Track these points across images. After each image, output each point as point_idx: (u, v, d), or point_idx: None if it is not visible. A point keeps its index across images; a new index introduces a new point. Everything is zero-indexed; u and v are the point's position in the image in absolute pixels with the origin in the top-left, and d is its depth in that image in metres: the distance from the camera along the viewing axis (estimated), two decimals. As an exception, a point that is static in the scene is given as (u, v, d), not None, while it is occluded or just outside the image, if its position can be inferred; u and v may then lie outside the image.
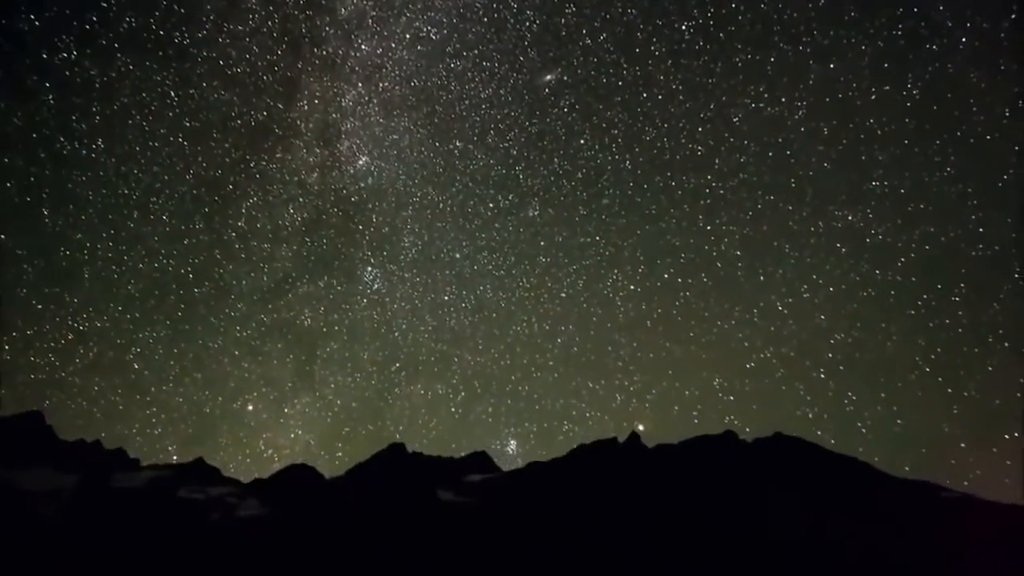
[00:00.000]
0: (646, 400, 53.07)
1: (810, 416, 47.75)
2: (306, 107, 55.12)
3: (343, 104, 55.55)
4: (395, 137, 57.36)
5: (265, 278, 55.46)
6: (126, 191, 53.01)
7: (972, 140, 44.62)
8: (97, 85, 50.76)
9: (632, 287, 55.02)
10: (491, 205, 58.93)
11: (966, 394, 44.22)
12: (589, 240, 57.39)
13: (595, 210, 57.73)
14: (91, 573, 16.75)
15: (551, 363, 56.28)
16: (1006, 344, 43.23)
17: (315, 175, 56.15)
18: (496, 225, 59.18)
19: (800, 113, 49.58)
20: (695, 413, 51.09)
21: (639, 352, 54.38)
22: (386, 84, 56.44)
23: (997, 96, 43.17)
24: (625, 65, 53.50)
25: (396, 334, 56.80)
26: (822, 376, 48.45)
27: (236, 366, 53.36)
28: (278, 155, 55.46)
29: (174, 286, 54.17)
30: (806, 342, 49.50)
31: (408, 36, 55.49)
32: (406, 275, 57.69)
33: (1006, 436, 41.31)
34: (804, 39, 48.36)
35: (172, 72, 52.67)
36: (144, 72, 52.04)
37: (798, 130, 49.76)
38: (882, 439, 46.01)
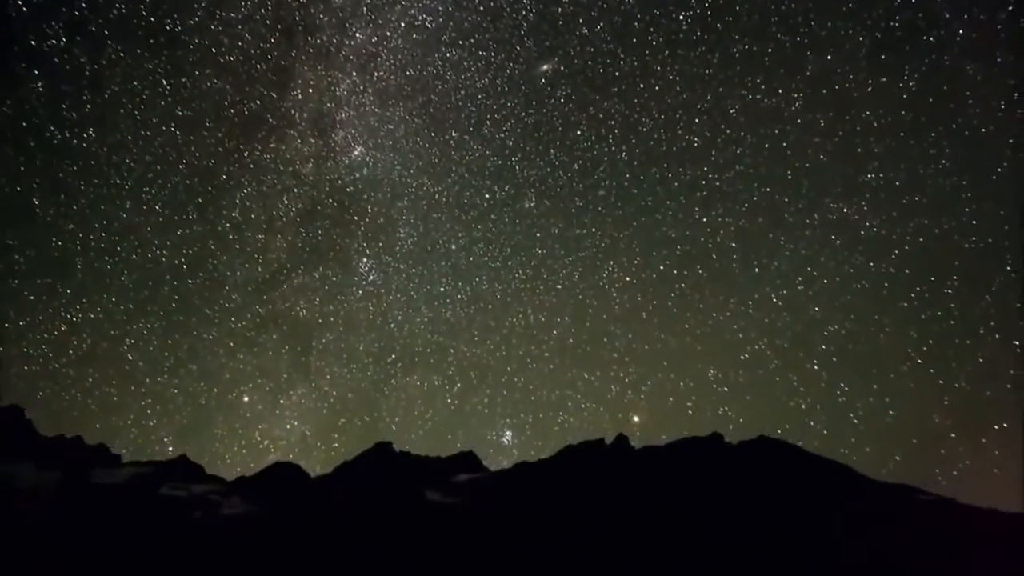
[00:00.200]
0: (641, 391, 53.45)
1: (803, 407, 48.32)
2: (300, 96, 54.30)
3: (337, 93, 54.89)
4: (390, 127, 56.56)
5: (260, 269, 54.83)
6: (118, 180, 52.09)
7: (967, 133, 45.03)
8: (87, 73, 49.75)
9: (628, 279, 55.07)
10: (487, 196, 58.46)
11: (957, 385, 44.88)
12: (585, 232, 57.14)
13: (591, 201, 57.47)
14: (74, 570, 16.48)
15: (547, 354, 56.13)
16: (997, 336, 43.84)
17: (310, 165, 55.45)
18: (492, 216, 58.68)
19: (797, 105, 49.53)
20: (689, 404, 51.55)
21: (634, 344, 54.52)
22: (381, 73, 55.62)
23: (993, 89, 43.63)
24: (622, 55, 53.12)
25: (392, 325, 56.41)
26: (815, 367, 48.94)
27: (231, 357, 52.92)
28: (272, 145, 54.68)
29: (168, 277, 53.49)
30: (800, 334, 49.91)
31: (403, 24, 54.86)
32: (402, 266, 57.14)
33: (995, 427, 42.17)
34: (802, 30, 48.39)
35: (163, 60, 51.68)
36: (135, 60, 51.07)
37: (795, 122, 49.77)
38: (873, 429, 46.71)
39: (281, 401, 51.99)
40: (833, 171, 49.40)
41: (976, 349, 44.37)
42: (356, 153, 55.60)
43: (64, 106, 49.16)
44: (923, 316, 46.21)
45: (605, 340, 55.08)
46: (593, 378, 54.61)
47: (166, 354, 52.16)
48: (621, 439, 26.08)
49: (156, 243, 53.02)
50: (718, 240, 52.64)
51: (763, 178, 51.28)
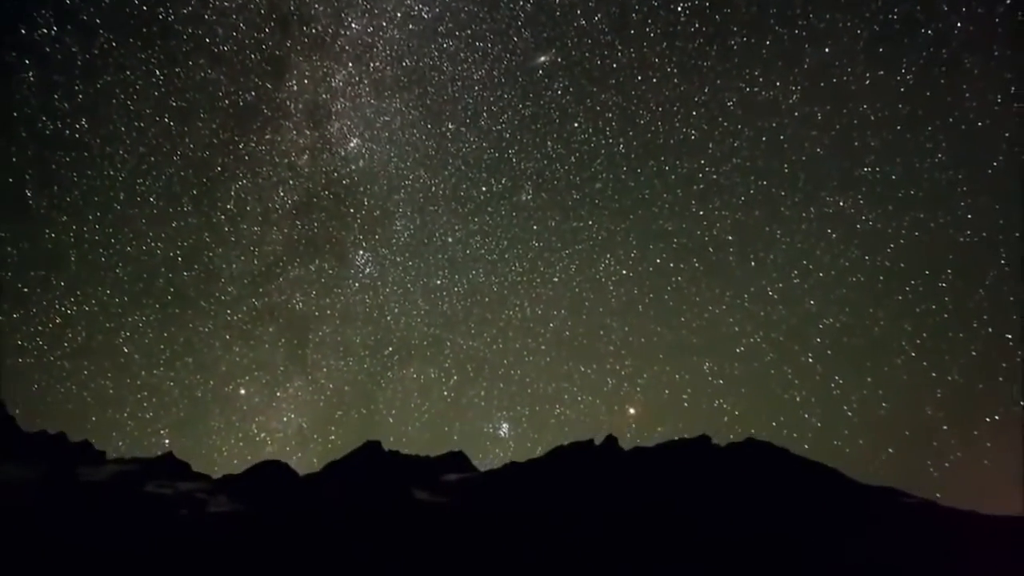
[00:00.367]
0: (637, 384, 53.24)
1: (797, 399, 48.36)
2: (295, 87, 53.50)
3: (333, 84, 53.95)
4: (386, 119, 55.81)
5: (256, 262, 54.02)
6: (111, 172, 51.15)
7: (964, 127, 45.02)
8: (79, 62, 48.85)
9: (624, 272, 54.86)
10: (484, 189, 57.92)
11: (950, 378, 45.12)
12: (582, 225, 56.85)
13: (588, 194, 57.07)
14: (57, 568, 16.26)
15: (543, 347, 55.71)
16: (990, 329, 44.01)
17: (305, 157, 54.66)
18: (489, 209, 58.25)
19: (794, 98, 49.31)
20: (684, 397, 51.57)
21: (630, 337, 54.38)
22: (377, 64, 54.73)
23: (990, 82, 43.58)
24: (620, 47, 52.67)
25: (388, 318, 55.86)
26: (810, 360, 48.97)
27: (227, 350, 52.27)
28: (267, 136, 53.83)
29: (163, 269, 52.56)
30: (795, 327, 49.95)
31: (399, 15, 53.92)
32: (398, 259, 56.51)
33: (987, 419, 42.49)
34: (800, 22, 48.15)
35: (156, 50, 50.76)
36: (128, 50, 50.09)
37: (792, 115, 49.66)
38: (867, 422, 46.94)
39: (278, 394, 51.79)
40: (830, 165, 49.58)
41: (969, 342, 44.69)
42: (352, 145, 55.09)
43: (56, 96, 48.41)
44: (917, 310, 46.47)
45: (601, 333, 54.99)
46: (589, 371, 54.61)
47: (162, 347, 51.72)
48: (610, 440, 26.17)
49: (151, 235, 52.26)
50: (715, 233, 52.66)
51: (760, 171, 51.30)
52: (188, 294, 52.57)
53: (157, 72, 50.83)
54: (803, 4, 47.35)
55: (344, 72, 53.75)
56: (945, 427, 44.06)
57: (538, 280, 56.82)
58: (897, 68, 46.30)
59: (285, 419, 50.77)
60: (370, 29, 53.75)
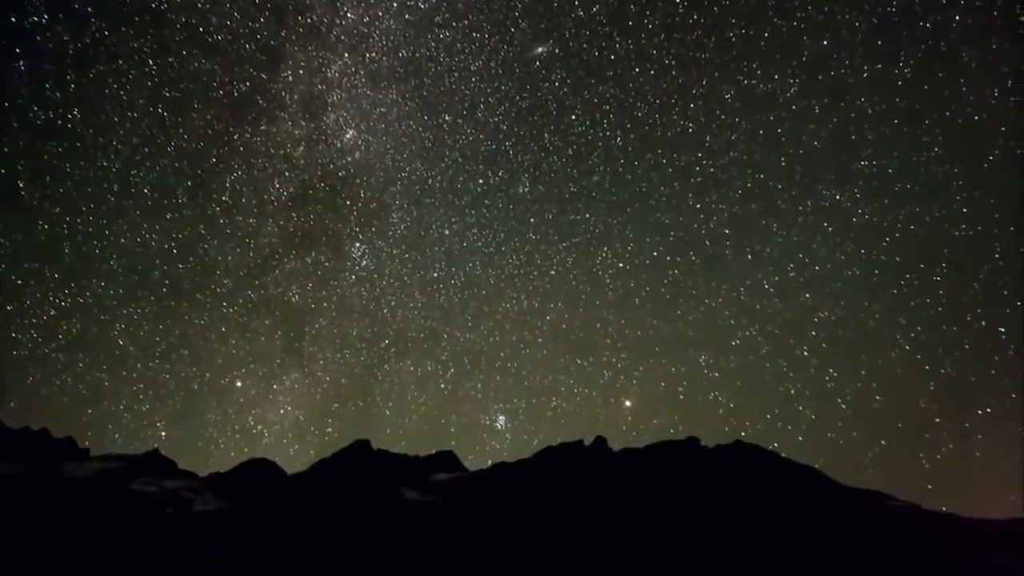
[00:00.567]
0: (633, 377, 53.12)
1: (792, 392, 48.56)
2: (290, 78, 52.65)
3: (328, 75, 53.13)
4: (383, 110, 55.03)
5: (251, 254, 53.34)
6: (105, 163, 50.24)
7: (960, 120, 45.15)
8: (71, 51, 47.89)
9: (621, 265, 54.53)
10: (481, 181, 57.24)
11: (943, 371, 45.39)
12: (579, 217, 56.37)
13: (585, 187, 56.64)
14: (38, 566, 16.05)
15: (540, 340, 55.28)
16: (983, 323, 44.29)
17: (301, 148, 53.88)
18: (486, 201, 57.60)
19: (792, 91, 49.22)
20: (680, 389, 51.63)
21: (627, 330, 54.12)
22: (373, 55, 53.80)
23: (987, 76, 43.69)
24: (618, 38, 52.24)
25: (385, 311, 55.07)
26: (805, 353, 49.01)
27: (223, 343, 51.51)
28: (262, 127, 53.00)
29: (158, 261, 51.74)
30: (791, 320, 49.98)
31: (395, 4, 53.14)
32: (395, 251, 55.80)
33: (979, 411, 42.97)
34: (798, 14, 47.99)
35: (149, 39, 49.82)
36: (120, 38, 49.18)
37: (790, 108, 49.55)
38: (860, 414, 47.21)
39: (274, 386, 51.28)
40: (827, 158, 49.61)
41: (963, 335, 44.96)
42: (348, 136, 54.30)
43: (47, 86, 47.57)
44: (912, 303, 46.67)
45: (598, 326, 54.76)
46: (586, 363, 54.43)
47: (157, 339, 51.05)
48: (600, 441, 26.31)
49: (145, 227, 51.40)
50: (711, 227, 52.62)
51: (757, 164, 51.26)
52: (183, 286, 52.04)
53: (150, 62, 50.07)
54: (802, -5, 47.21)
55: (340, 62, 53.09)
56: (937, 420, 44.49)
57: (535, 273, 56.59)
58: (895, 61, 46.28)
59: (282, 411, 50.57)
60: (366, 19, 53.15)
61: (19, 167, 47.71)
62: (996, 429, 42.04)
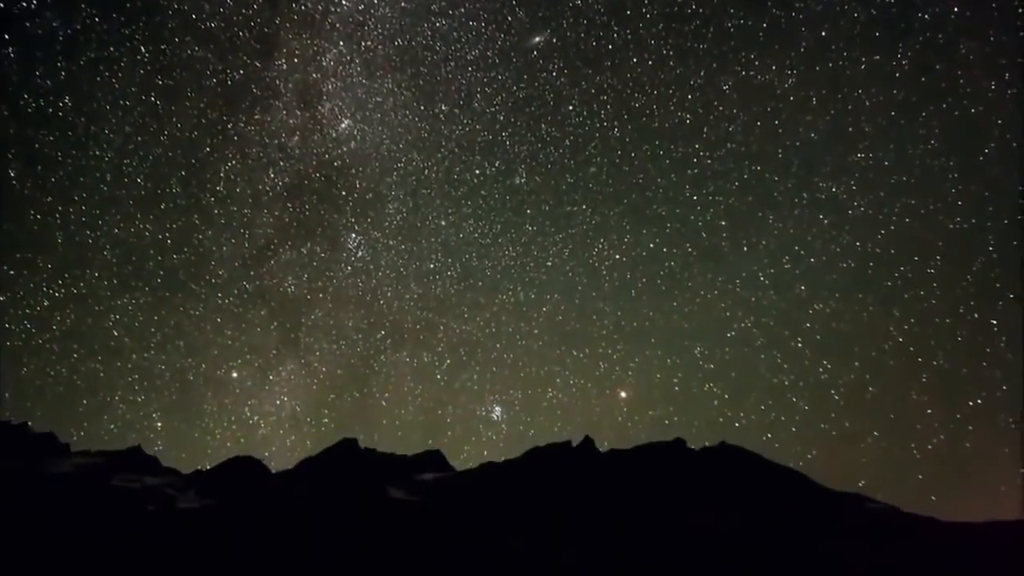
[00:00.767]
0: (628, 368, 53.96)
1: (786, 383, 49.23)
2: (285, 66, 52.41)
3: (323, 64, 53.03)
4: (378, 99, 55.00)
5: (246, 244, 53.48)
6: (97, 152, 49.87)
7: (957, 113, 45.46)
8: (61, 38, 47.36)
9: (617, 256, 55.19)
10: (477, 172, 57.58)
11: (935, 363, 46.07)
12: (575, 209, 56.98)
13: (582, 178, 57.14)
14: (18, 564, 15.75)
15: (536, 331, 56.02)
16: (976, 315, 44.94)
17: (296, 138, 53.78)
18: (482, 192, 58.17)
19: (790, 82, 49.30)
20: (675, 381, 52.24)
21: (623, 321, 54.84)
22: (368, 43, 53.74)
23: (984, 68, 43.90)
24: (615, 28, 52.44)
25: (381, 302, 55.51)
26: (799, 345, 49.63)
27: (219, 333, 51.69)
28: (256, 116, 52.89)
29: (152, 252, 51.74)
30: (786, 312, 50.52)
31: None
32: (391, 242, 56.20)
33: (970, 403, 43.78)
34: (797, 4, 48.11)
35: (141, 26, 49.39)
36: (111, 25, 48.70)
37: (787, 99, 49.71)
38: (853, 405, 47.91)
39: (271, 377, 51.40)
40: (823, 150, 49.92)
41: (955, 328, 45.62)
42: (343, 126, 54.21)
43: (37, 73, 46.99)
44: (906, 295, 47.13)
45: (594, 317, 55.31)
46: (581, 355, 55.06)
47: (152, 330, 50.98)
48: (588, 442, 26.45)
49: (139, 217, 51.25)
50: (708, 219, 53.26)
51: (754, 156, 51.57)
52: (178, 277, 51.99)
53: (142, 49, 49.60)
54: (801, -15, 47.11)
55: (335, 51, 52.93)
56: (929, 411, 45.20)
57: (531, 264, 57.01)
58: (893, 53, 46.51)
59: (278, 402, 50.61)
60: (361, 7, 52.93)
61: (9, 156, 47.34)
62: (986, 421, 42.90)
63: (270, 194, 53.75)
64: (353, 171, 55.11)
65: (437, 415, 53.68)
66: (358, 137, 54.58)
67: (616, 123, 54.54)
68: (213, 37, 51.04)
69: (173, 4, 49.62)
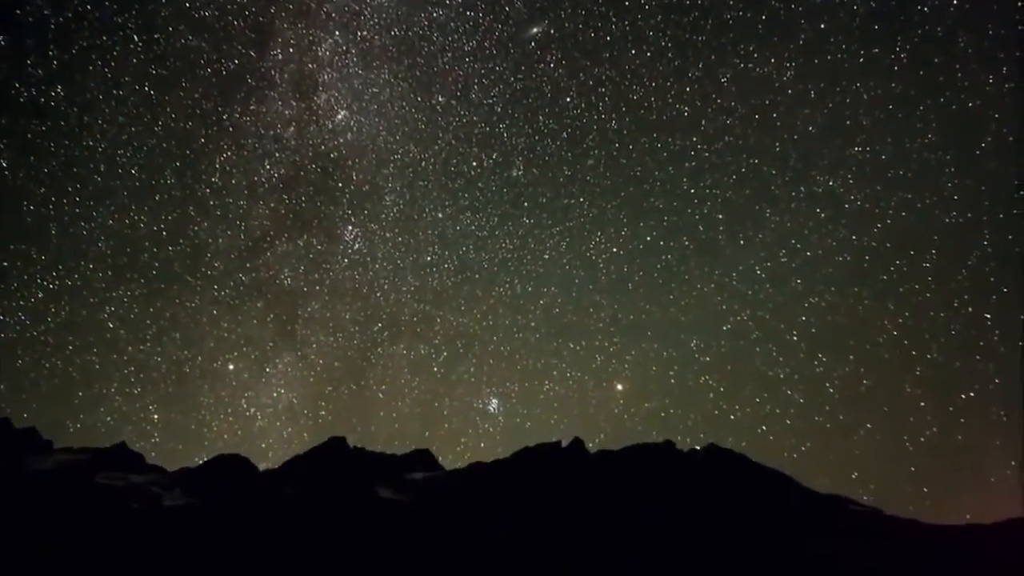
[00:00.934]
0: (625, 361, 53.75)
1: (781, 376, 49.27)
2: (280, 56, 51.66)
3: (319, 54, 52.31)
4: (375, 90, 54.24)
5: (242, 236, 52.70)
6: (91, 143, 48.99)
7: (954, 107, 45.57)
8: (52, 26, 46.43)
9: (615, 249, 55.04)
10: (474, 164, 56.89)
11: (929, 356, 46.29)
12: (573, 202, 56.63)
13: (580, 171, 56.75)
14: (2, 563, 15.48)
15: (533, 324, 55.62)
16: (970, 309, 45.12)
17: (291, 129, 53.07)
18: (479, 185, 57.45)
19: (789, 75, 49.27)
20: (672, 374, 52.23)
21: (619, 314, 54.70)
22: (365, 33, 52.92)
23: (982, 62, 43.99)
24: (614, 19, 51.94)
25: (378, 294, 54.87)
26: (795, 338, 49.71)
27: (215, 325, 51.03)
28: (252, 107, 52.15)
29: (147, 243, 50.92)
30: (781, 305, 50.62)
31: None
32: (388, 234, 55.58)
33: (962, 396, 43.99)
34: None
35: (134, 15, 48.42)
36: (103, 13, 47.79)
37: (785, 92, 49.71)
38: (847, 398, 48.14)
39: (267, 369, 51.00)
40: (821, 143, 50.03)
41: (949, 321, 45.83)
42: (340, 117, 53.59)
43: (29, 62, 46.04)
44: (901, 289, 47.32)
45: (591, 310, 55.15)
46: (578, 347, 54.77)
47: (148, 322, 50.34)
48: (577, 443, 26.58)
49: (133, 208, 50.52)
50: (705, 212, 53.15)
51: (752, 149, 51.61)
52: (173, 269, 51.34)
53: (135, 38, 48.65)
54: (801, -24, 47.23)
55: (331, 41, 52.27)
56: (922, 404, 45.41)
57: (528, 257, 56.78)
58: (892, 46, 46.55)
59: (275, 394, 50.31)
60: (357, -5, 52.87)
61: (1, 146, 46.57)
62: (979, 413, 43.16)
63: (266, 186, 53.32)
64: (349, 163, 54.72)
65: (434, 407, 53.56)
66: (354, 128, 54.16)
67: (614, 115, 54.29)
68: (207, 26, 50.43)
69: (166, -9, 49.18)
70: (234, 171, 52.40)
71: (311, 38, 52.00)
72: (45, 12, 46.04)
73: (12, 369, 45.93)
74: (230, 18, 50.47)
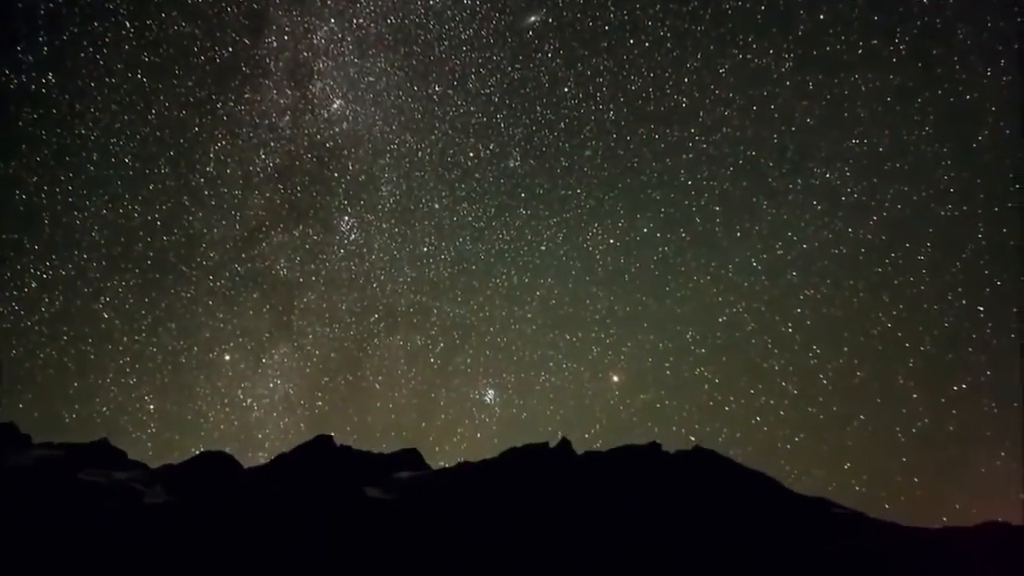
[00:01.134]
0: (621, 352, 53.69)
1: (776, 368, 49.44)
2: (275, 44, 50.71)
3: (314, 41, 51.49)
4: (371, 79, 53.53)
5: (237, 226, 51.94)
6: (83, 131, 48.01)
7: (952, 99, 45.52)
8: (42, 12, 45.44)
9: (611, 241, 54.91)
10: (471, 154, 56.35)
11: (922, 348, 46.46)
12: (570, 192, 56.32)
13: (577, 162, 56.29)
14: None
15: (529, 315, 55.37)
16: (963, 302, 45.40)
17: (286, 118, 52.25)
18: (476, 175, 56.91)
19: (787, 66, 49.09)
20: (667, 365, 52.34)
21: (616, 306, 54.65)
22: (360, 20, 52.11)
23: (980, 54, 43.93)
24: (612, 8, 51.58)
25: (374, 285, 54.28)
26: (789, 330, 49.77)
27: (211, 316, 50.33)
28: (246, 96, 51.22)
29: (141, 233, 50.03)
30: (777, 297, 50.63)
31: None
32: (384, 225, 55.01)
33: (954, 388, 44.37)
34: None
35: (125, 0, 47.86)
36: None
37: (784, 84, 49.52)
38: (841, 390, 48.37)
39: (263, 360, 50.38)
40: (818, 136, 50.00)
41: (942, 314, 46.08)
42: (335, 106, 52.82)
43: (19, 48, 45.12)
44: (895, 281, 47.45)
45: (588, 302, 55.10)
46: (575, 339, 54.83)
47: (143, 312, 49.66)
48: (564, 443, 26.65)
49: (127, 198, 49.64)
50: (702, 203, 53.12)
51: (749, 141, 51.40)
52: (168, 259, 50.49)
53: (127, 24, 47.62)
54: (800, -32, 46.85)
55: (325, 28, 51.43)
56: (915, 395, 45.65)
57: (525, 248, 56.51)
58: (890, 37, 46.42)
59: (271, 385, 49.73)
60: (352, -19, 52.29)
61: (-9, 134, 45.62)
62: (970, 405, 43.55)
63: (261, 175, 52.59)
64: (345, 152, 54.03)
65: (430, 398, 53.23)
66: (350, 118, 53.50)
67: (612, 106, 53.91)
68: (200, 12, 49.52)
69: (158, -23, 48.46)
70: (229, 160, 51.75)
71: (306, 25, 51.38)
72: (35, -3, 45.32)
73: (6, 359, 45.11)
74: (224, 4, 49.68)
